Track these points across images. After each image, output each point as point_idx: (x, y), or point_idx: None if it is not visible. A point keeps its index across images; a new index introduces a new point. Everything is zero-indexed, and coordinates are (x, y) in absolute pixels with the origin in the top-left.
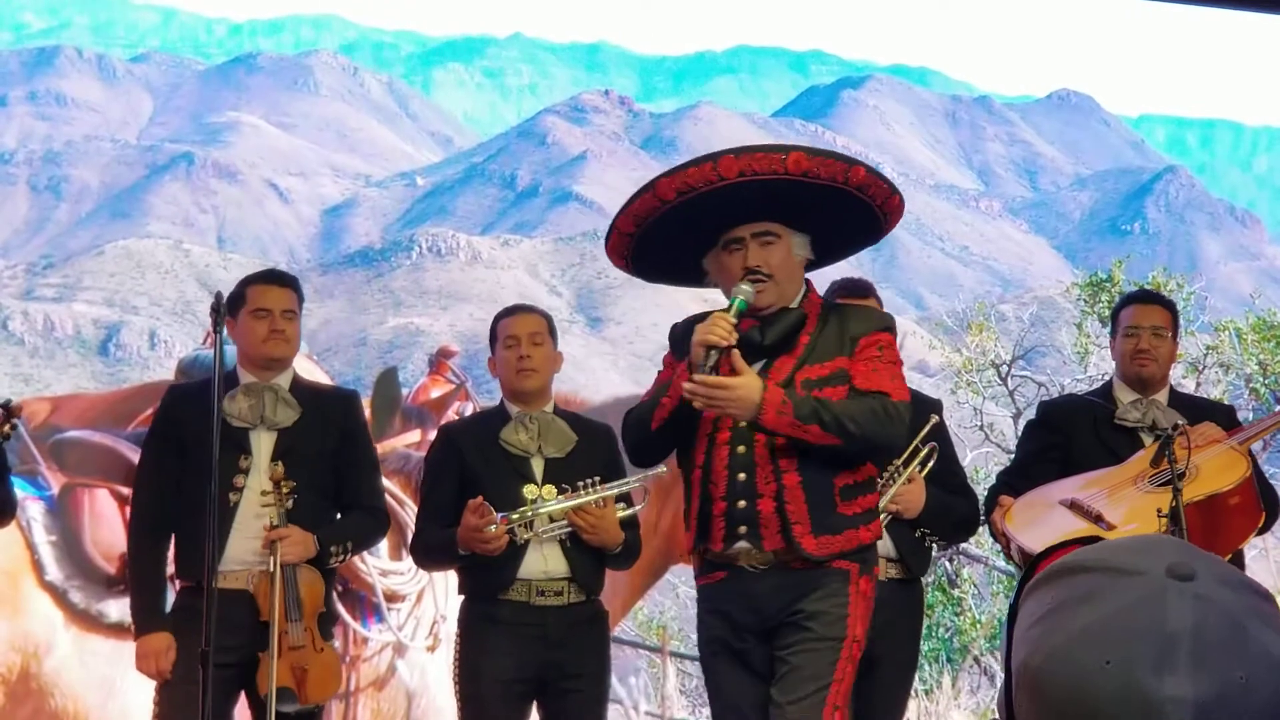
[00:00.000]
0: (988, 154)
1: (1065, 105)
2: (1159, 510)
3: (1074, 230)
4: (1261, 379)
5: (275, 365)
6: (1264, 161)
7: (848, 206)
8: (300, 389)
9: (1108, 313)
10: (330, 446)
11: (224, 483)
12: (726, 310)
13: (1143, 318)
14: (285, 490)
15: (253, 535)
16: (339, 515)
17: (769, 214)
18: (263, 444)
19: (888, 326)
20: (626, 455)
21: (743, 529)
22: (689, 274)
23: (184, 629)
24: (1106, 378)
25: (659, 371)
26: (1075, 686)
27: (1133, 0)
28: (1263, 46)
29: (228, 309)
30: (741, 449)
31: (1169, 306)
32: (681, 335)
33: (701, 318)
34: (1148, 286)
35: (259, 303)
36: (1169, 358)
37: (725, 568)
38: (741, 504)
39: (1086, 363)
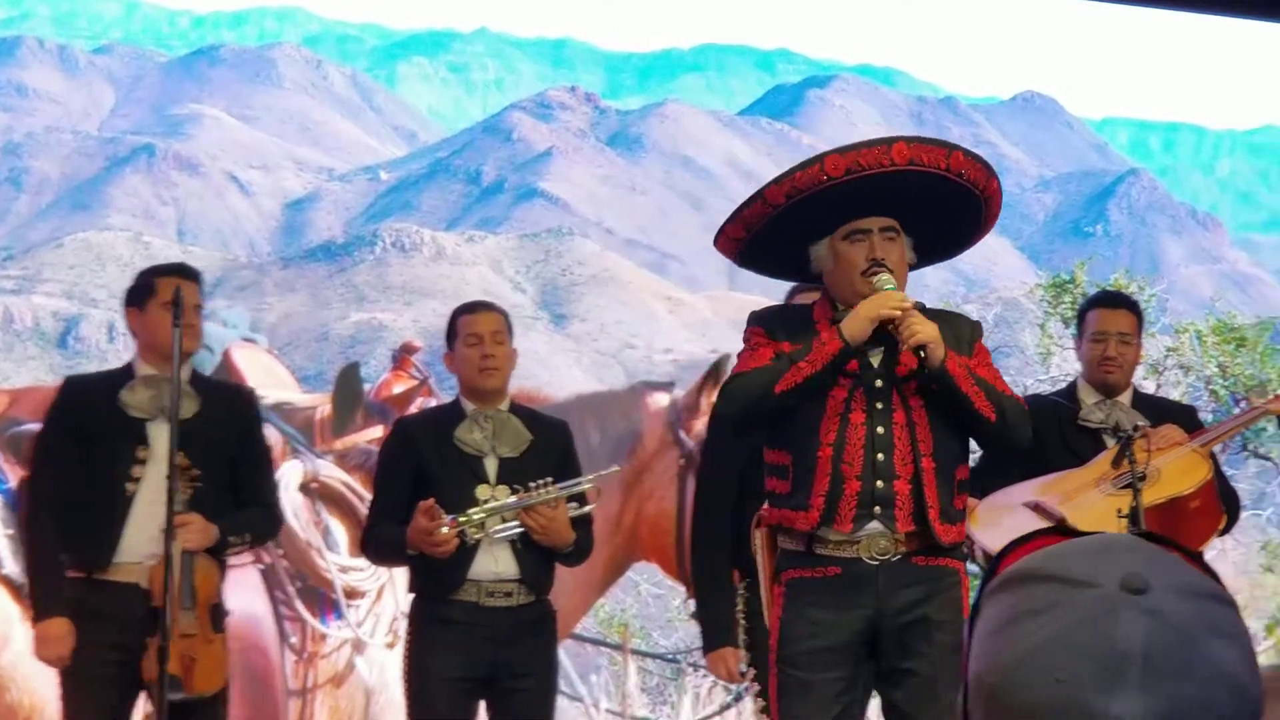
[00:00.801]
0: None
1: (1030, 107)
2: (1119, 511)
3: (1037, 231)
4: (1221, 381)
5: (181, 358)
6: (1226, 165)
7: (948, 206)
8: (199, 382)
9: (1070, 314)
10: (228, 441)
11: (120, 474)
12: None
13: (1110, 323)
14: (189, 478)
15: (148, 527)
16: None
17: (887, 211)
18: (161, 436)
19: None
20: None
21: (877, 509)
22: (794, 265)
23: (79, 625)
24: (1069, 378)
25: (751, 349)
26: (1026, 704)
27: (1097, 4)
28: (1226, 51)
29: (133, 300)
30: (880, 430)
31: (1134, 309)
32: (775, 318)
33: (792, 307)
34: (1111, 288)
35: (169, 295)
36: (1134, 361)
37: (839, 562)
38: (879, 484)
39: (1049, 363)
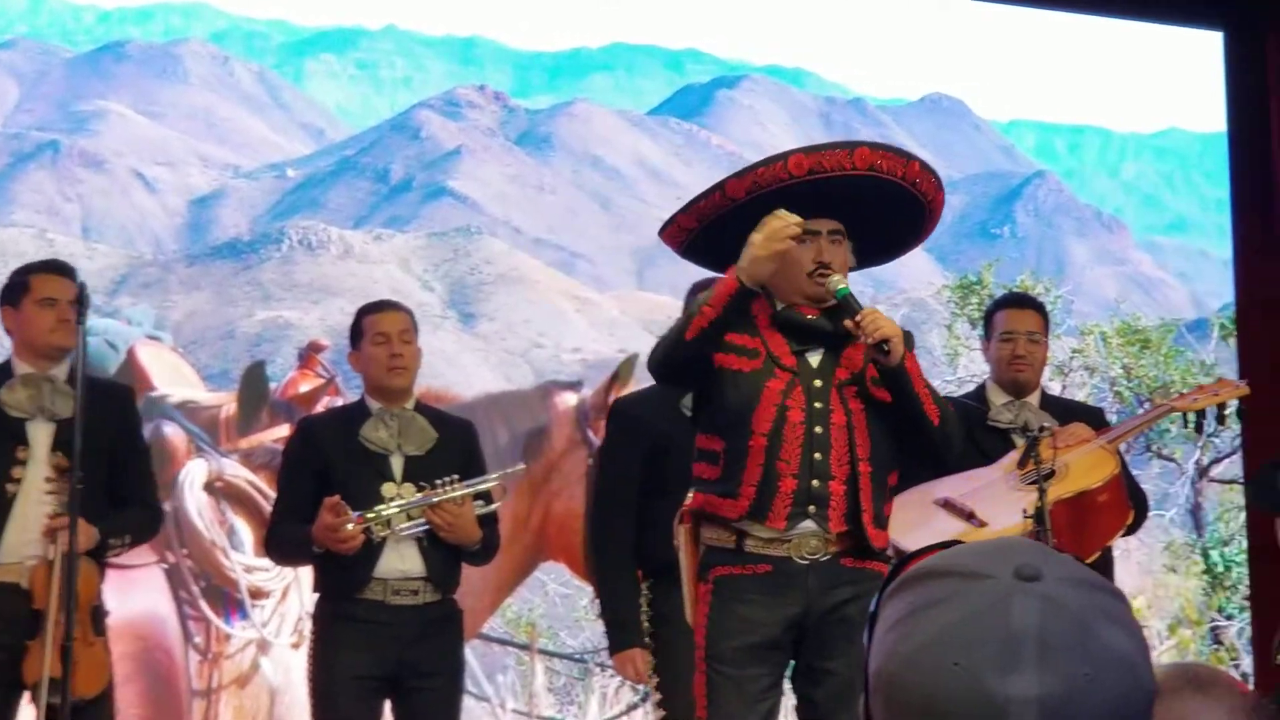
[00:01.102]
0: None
1: (937, 109)
2: (1024, 510)
3: (945, 233)
4: (1125, 382)
5: (57, 356)
6: (1131, 168)
7: (892, 214)
8: (75, 381)
9: (977, 315)
10: (107, 440)
11: (0, 474)
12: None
13: (1017, 323)
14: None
15: (29, 528)
16: (113, 509)
17: (836, 213)
18: (40, 435)
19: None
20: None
21: (811, 508)
22: (733, 260)
23: None
24: (976, 379)
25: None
26: (925, 691)
27: (1004, 6)
28: (1131, 54)
29: (7, 299)
30: (819, 429)
31: (1041, 310)
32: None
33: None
34: (1017, 289)
35: (45, 292)
36: (1042, 361)
37: (769, 560)
38: (815, 483)
39: (956, 364)
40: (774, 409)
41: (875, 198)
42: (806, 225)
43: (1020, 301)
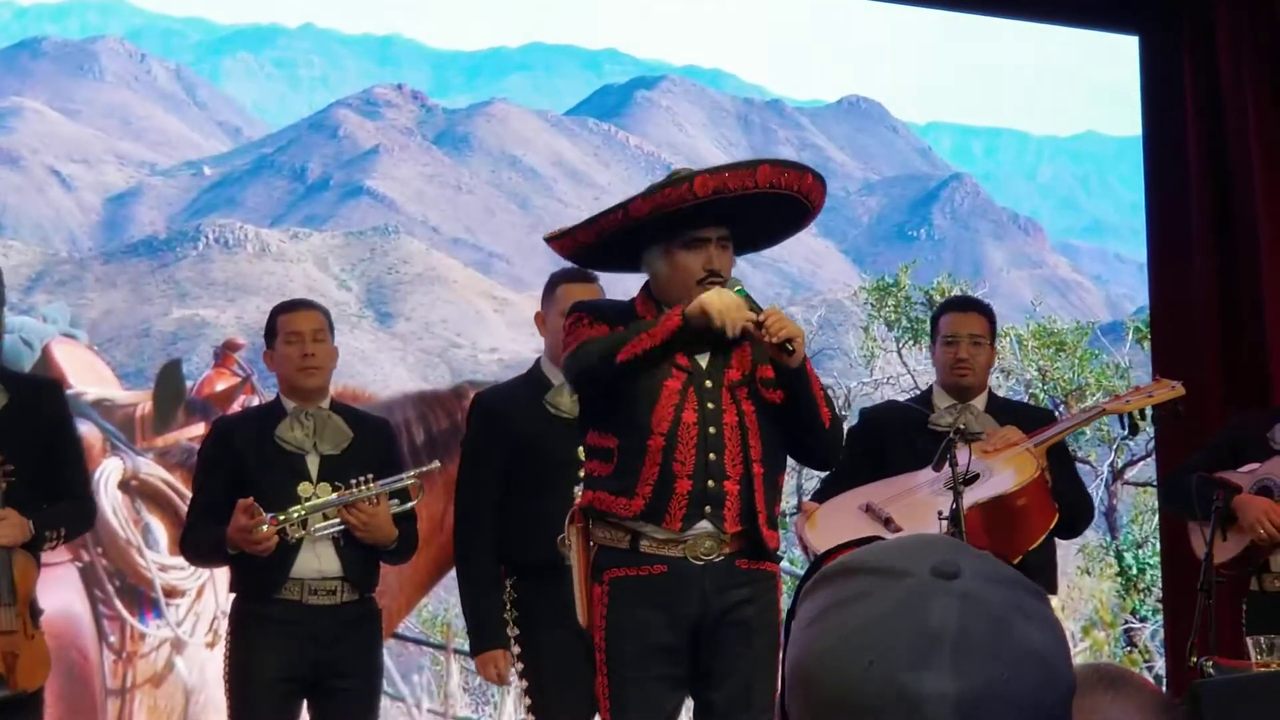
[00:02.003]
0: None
1: (855, 111)
2: (939, 513)
3: (862, 234)
4: (1041, 385)
5: None
6: (1048, 171)
7: (777, 217)
8: (4, 375)
9: (894, 317)
10: (39, 434)
11: None
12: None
13: (961, 326)
14: (3, 473)
15: None
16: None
17: (723, 219)
18: None
19: None
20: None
21: (707, 509)
22: (619, 261)
23: None
24: (892, 381)
25: (587, 326)
26: (840, 687)
27: (921, 9)
28: (1049, 58)
29: None
30: (712, 430)
31: (986, 312)
32: (605, 310)
33: (617, 302)
34: (933, 291)
35: None
36: (987, 364)
37: (664, 560)
38: (710, 484)
39: (872, 365)
40: (672, 409)
41: (766, 207)
42: (697, 234)
43: (964, 305)
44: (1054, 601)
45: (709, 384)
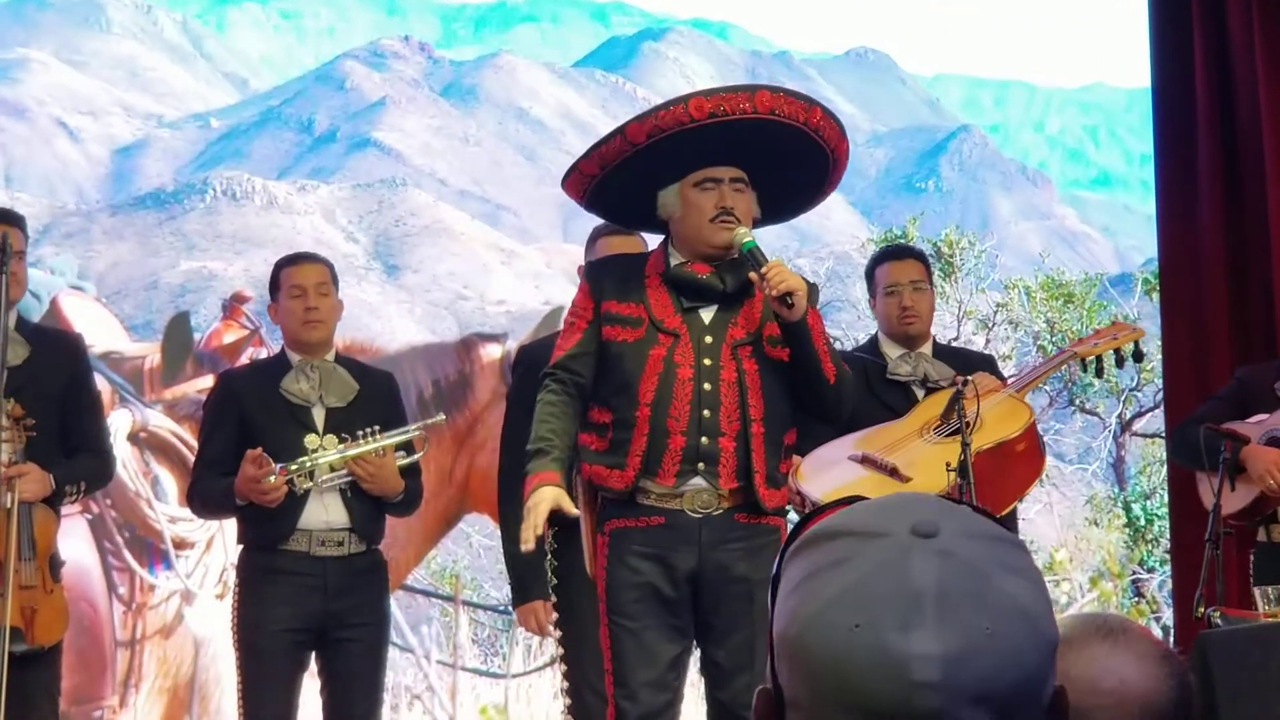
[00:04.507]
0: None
1: (863, 63)
2: (947, 464)
3: (870, 187)
4: (1049, 337)
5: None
6: (1056, 122)
7: (797, 164)
8: (26, 328)
9: None
10: (59, 388)
11: None
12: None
13: (900, 274)
14: (24, 427)
15: None
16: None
17: (737, 162)
18: None
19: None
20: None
21: (701, 465)
22: (638, 211)
23: None
24: None
25: (571, 321)
26: (828, 653)
27: None
28: (1057, 8)
29: None
30: (707, 386)
31: (920, 257)
32: (606, 272)
33: (626, 258)
34: (942, 243)
35: None
36: (930, 309)
37: (662, 512)
38: (704, 441)
39: None
40: (657, 377)
41: (778, 147)
42: (709, 173)
43: (899, 253)
44: (1062, 554)
45: (708, 339)
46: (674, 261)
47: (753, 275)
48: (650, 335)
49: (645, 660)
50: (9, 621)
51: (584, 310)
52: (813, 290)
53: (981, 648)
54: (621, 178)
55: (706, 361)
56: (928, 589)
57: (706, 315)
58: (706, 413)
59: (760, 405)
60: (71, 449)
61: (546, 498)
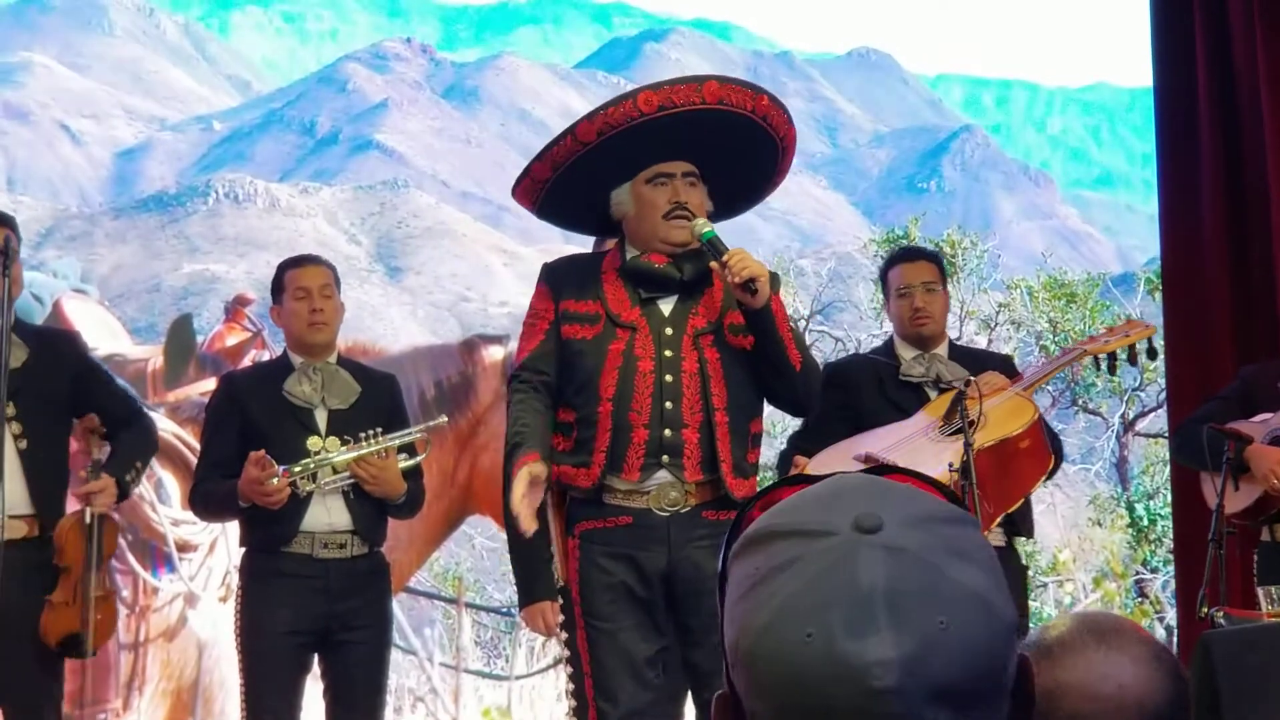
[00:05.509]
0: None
1: (865, 63)
2: (950, 464)
3: (872, 187)
4: (1051, 336)
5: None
6: (1058, 122)
7: (747, 154)
8: (24, 330)
9: None
10: (61, 389)
11: None
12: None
13: (913, 276)
14: (99, 436)
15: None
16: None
17: (689, 155)
18: None
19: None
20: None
21: (665, 458)
22: (593, 217)
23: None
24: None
25: (531, 321)
26: (783, 664)
27: None
28: (1060, 8)
29: None
30: (669, 378)
31: (934, 259)
32: (563, 271)
33: (583, 256)
34: (943, 243)
35: None
36: (944, 310)
37: (629, 511)
38: (667, 433)
39: (882, 318)
40: (617, 371)
41: (728, 138)
42: (660, 169)
43: (911, 255)
44: (1065, 553)
45: (669, 331)
46: (630, 254)
47: (714, 265)
48: (608, 330)
49: (623, 661)
50: (75, 628)
51: (544, 311)
52: (774, 279)
53: (938, 643)
54: (574, 181)
55: (667, 353)
56: (877, 590)
57: (666, 307)
58: (668, 404)
59: (723, 394)
60: (111, 432)
61: (522, 474)
